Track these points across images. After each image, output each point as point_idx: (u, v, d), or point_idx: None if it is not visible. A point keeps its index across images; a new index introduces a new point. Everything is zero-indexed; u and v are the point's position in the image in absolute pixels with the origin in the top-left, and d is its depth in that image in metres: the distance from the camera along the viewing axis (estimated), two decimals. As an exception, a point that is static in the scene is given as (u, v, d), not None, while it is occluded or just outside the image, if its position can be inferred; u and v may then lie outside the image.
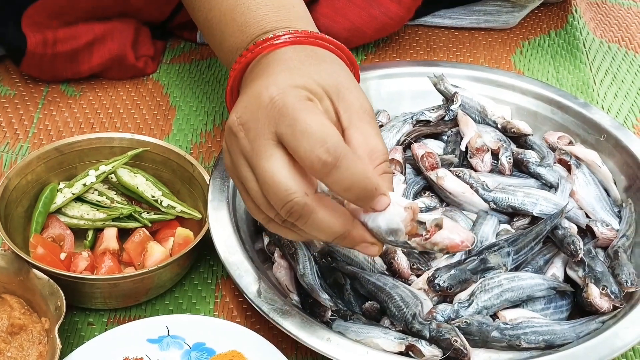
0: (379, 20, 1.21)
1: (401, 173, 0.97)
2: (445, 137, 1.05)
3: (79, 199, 0.96)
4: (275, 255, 0.90)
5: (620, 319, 0.84)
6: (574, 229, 0.92)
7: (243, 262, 0.85)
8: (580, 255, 0.87)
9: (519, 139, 1.04)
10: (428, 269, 0.88)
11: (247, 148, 0.71)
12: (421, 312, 0.83)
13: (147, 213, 0.96)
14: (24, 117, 1.12)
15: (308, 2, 0.90)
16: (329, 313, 0.84)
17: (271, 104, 0.70)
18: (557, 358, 0.80)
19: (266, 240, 0.92)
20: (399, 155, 0.98)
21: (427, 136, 1.04)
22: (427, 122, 1.04)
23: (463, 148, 1.01)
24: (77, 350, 0.82)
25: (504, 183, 0.96)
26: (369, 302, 0.86)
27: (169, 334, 0.84)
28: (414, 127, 1.03)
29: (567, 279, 0.90)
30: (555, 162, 1.00)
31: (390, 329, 0.83)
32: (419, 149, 0.98)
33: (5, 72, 1.18)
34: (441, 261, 0.88)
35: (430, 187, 0.97)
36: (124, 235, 0.95)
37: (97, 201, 0.96)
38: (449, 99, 1.06)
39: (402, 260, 0.87)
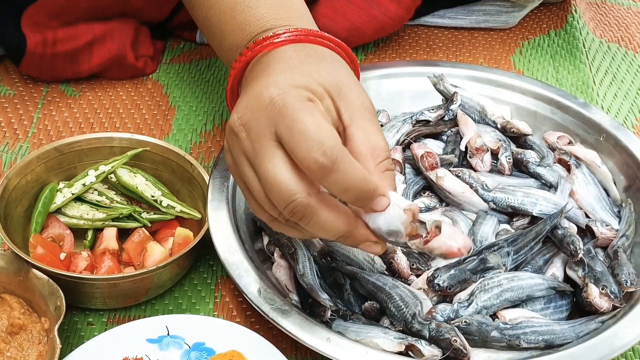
0: (379, 20, 1.20)
1: (401, 173, 0.97)
2: (444, 137, 1.05)
3: (79, 198, 0.96)
4: (275, 255, 0.90)
5: (620, 318, 0.84)
6: (573, 228, 0.92)
7: (243, 262, 0.85)
8: (580, 255, 0.87)
9: (519, 139, 1.04)
10: (428, 269, 0.88)
11: (249, 148, 0.71)
12: (421, 312, 0.83)
13: (147, 213, 0.96)
14: (24, 117, 1.12)
15: (307, 2, 0.90)
16: (329, 313, 0.84)
17: (271, 104, 0.70)
18: (556, 358, 0.80)
19: (266, 240, 0.92)
20: (398, 155, 0.98)
21: (426, 136, 1.04)
22: (426, 122, 1.04)
23: (463, 148, 1.01)
24: (76, 350, 0.82)
25: (503, 183, 0.96)
26: (369, 302, 0.86)
27: (168, 334, 0.84)
28: (413, 127, 1.03)
29: (567, 278, 0.90)
30: (554, 162, 1.00)
31: (389, 328, 0.83)
32: (418, 148, 0.98)
33: (5, 72, 1.18)
34: (441, 261, 0.88)
35: (429, 187, 0.97)
36: (123, 235, 0.95)
37: (97, 201, 0.96)
38: (448, 98, 1.06)
39: (401, 260, 0.87)
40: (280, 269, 0.89)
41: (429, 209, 0.95)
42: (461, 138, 1.02)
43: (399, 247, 0.87)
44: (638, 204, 0.97)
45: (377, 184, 0.69)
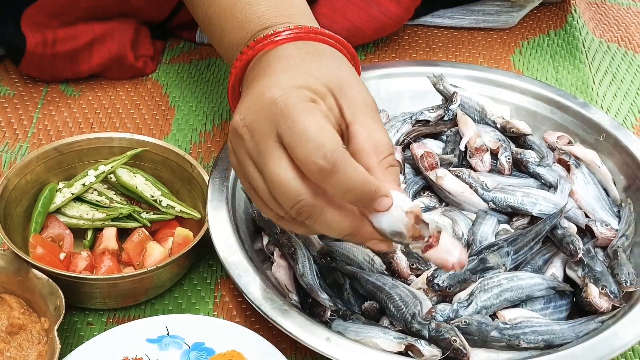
0: (378, 20, 1.20)
1: (400, 173, 0.97)
2: (444, 137, 1.05)
3: (78, 198, 0.96)
4: (275, 255, 0.90)
5: (620, 318, 0.84)
6: (573, 228, 0.92)
7: (242, 261, 0.85)
8: (580, 255, 0.87)
9: (518, 139, 1.04)
10: (427, 269, 0.88)
11: (253, 150, 0.72)
12: (420, 311, 0.83)
13: (147, 213, 0.96)
14: (24, 117, 1.12)
15: (307, 2, 0.90)
16: (328, 313, 0.84)
17: (273, 105, 0.70)
18: (556, 358, 0.80)
19: (265, 240, 0.92)
20: (398, 155, 0.98)
21: (426, 136, 1.04)
22: (426, 122, 1.04)
23: (462, 148, 1.01)
24: (76, 350, 0.82)
25: (503, 183, 0.96)
26: (368, 301, 0.86)
27: (168, 334, 0.84)
28: (413, 126, 1.03)
29: (567, 278, 0.90)
30: (554, 162, 1.00)
31: (389, 328, 0.83)
32: (418, 148, 0.98)
33: (5, 72, 1.18)
34: (440, 261, 0.88)
35: (429, 187, 0.97)
36: (123, 235, 0.95)
37: (97, 201, 0.96)
38: (448, 98, 1.06)
39: (401, 260, 0.87)
40: (279, 269, 0.89)
41: (428, 209, 0.95)
42: (461, 138, 1.02)
43: (399, 247, 0.87)
44: (638, 204, 0.97)
45: (379, 185, 0.69)
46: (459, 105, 1.05)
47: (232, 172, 0.94)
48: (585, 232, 0.94)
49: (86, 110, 1.14)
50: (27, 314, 0.85)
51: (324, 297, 0.84)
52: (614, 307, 0.86)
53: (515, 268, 0.89)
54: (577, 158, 1.00)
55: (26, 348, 0.83)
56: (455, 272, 0.85)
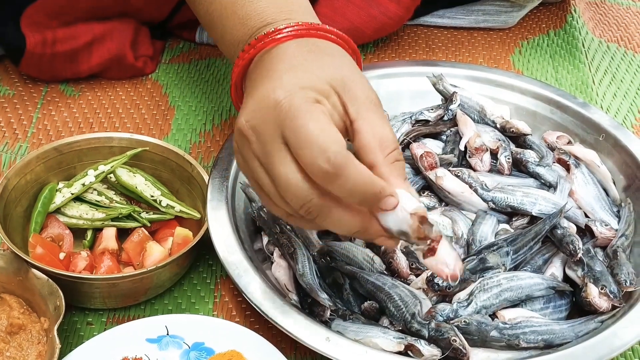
0: (378, 20, 1.20)
1: (400, 172, 0.97)
2: (444, 137, 1.05)
3: (78, 198, 0.96)
4: (274, 254, 0.90)
5: (619, 318, 0.84)
6: (573, 228, 0.92)
7: (242, 261, 0.85)
8: (579, 255, 0.87)
9: (518, 139, 1.04)
10: (427, 269, 0.87)
11: (260, 152, 0.72)
12: (420, 311, 0.83)
13: (146, 213, 0.96)
14: (23, 117, 1.12)
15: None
16: (328, 312, 0.84)
17: (278, 107, 0.70)
18: (556, 357, 0.80)
19: (265, 240, 0.92)
20: (398, 155, 0.98)
21: (426, 136, 1.04)
22: (426, 122, 1.04)
23: (462, 148, 1.01)
24: (76, 350, 0.82)
25: (503, 183, 0.96)
26: (368, 301, 0.86)
27: (168, 334, 0.84)
28: (412, 126, 1.03)
29: (566, 278, 0.90)
30: (554, 162, 1.00)
31: (389, 328, 0.83)
32: (417, 148, 0.98)
33: (5, 72, 1.18)
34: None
35: (429, 187, 0.97)
36: (123, 235, 0.95)
37: (96, 201, 0.96)
38: (447, 98, 1.06)
39: (401, 260, 0.87)
40: (279, 269, 0.89)
41: (428, 209, 0.95)
42: (460, 138, 1.02)
43: (399, 247, 0.87)
44: (637, 204, 0.97)
45: (384, 185, 0.70)
46: (458, 105, 1.05)
47: (232, 172, 0.94)
48: (585, 232, 0.94)
49: (86, 110, 1.14)
50: (27, 314, 0.85)
51: (323, 297, 0.84)
52: (613, 307, 0.86)
53: (515, 268, 0.89)
54: (576, 158, 1.00)
55: (26, 348, 0.83)
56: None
